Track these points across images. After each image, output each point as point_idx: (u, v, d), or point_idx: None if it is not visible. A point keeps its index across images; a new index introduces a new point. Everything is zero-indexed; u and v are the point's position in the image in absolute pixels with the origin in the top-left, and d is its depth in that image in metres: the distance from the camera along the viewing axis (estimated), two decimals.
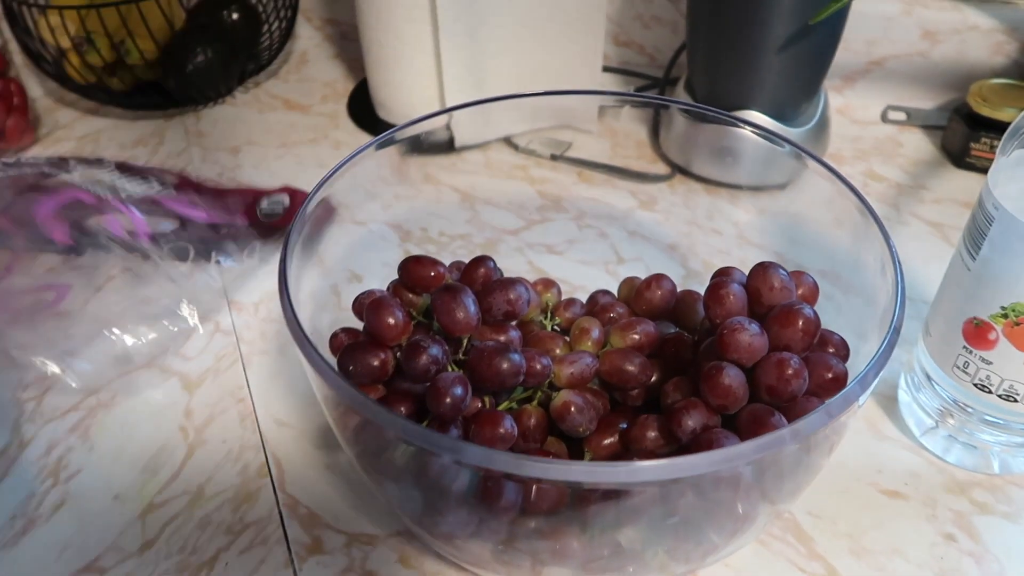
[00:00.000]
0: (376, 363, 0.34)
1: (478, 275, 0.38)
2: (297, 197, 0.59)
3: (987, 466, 0.41)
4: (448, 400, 0.32)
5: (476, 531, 0.34)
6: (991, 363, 0.36)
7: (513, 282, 0.36)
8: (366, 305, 0.35)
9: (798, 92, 0.58)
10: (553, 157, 0.63)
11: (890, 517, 0.39)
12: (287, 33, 0.75)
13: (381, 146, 0.45)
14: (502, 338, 0.36)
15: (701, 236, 0.56)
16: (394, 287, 0.38)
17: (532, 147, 0.64)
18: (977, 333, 0.36)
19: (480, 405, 0.36)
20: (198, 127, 0.70)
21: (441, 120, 0.58)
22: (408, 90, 0.66)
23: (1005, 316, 0.35)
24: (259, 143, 0.68)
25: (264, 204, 0.57)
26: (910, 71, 0.66)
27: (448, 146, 0.62)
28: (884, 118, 0.66)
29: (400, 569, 0.38)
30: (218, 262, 0.54)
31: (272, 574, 0.38)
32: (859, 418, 0.44)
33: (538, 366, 0.35)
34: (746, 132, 0.56)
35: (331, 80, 0.76)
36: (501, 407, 0.36)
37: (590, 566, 0.36)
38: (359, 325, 0.38)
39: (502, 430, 0.34)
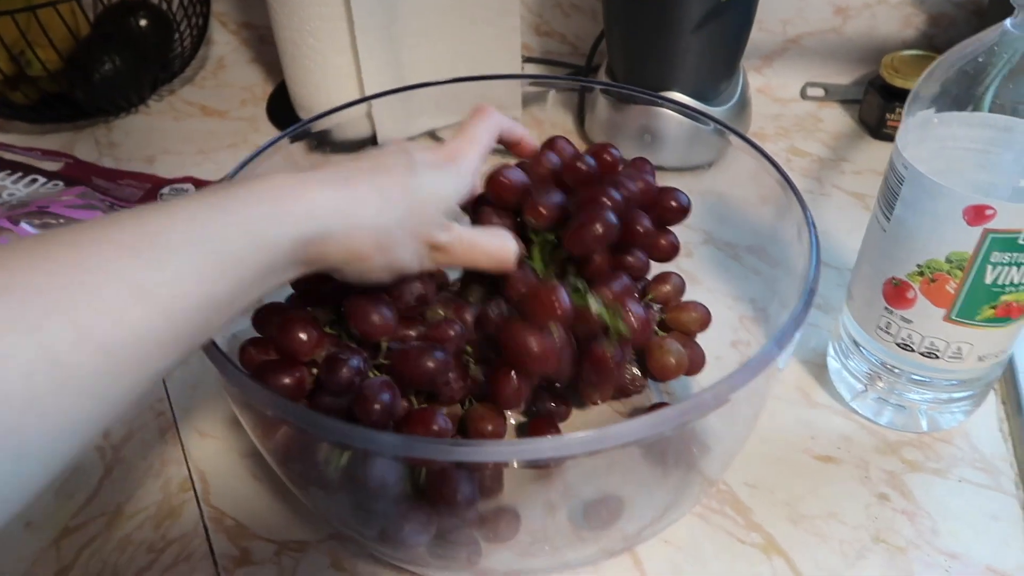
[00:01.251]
0: (291, 381, 0.33)
1: None
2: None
3: (916, 425, 0.41)
4: (377, 407, 0.31)
5: (413, 528, 0.33)
6: (911, 321, 0.37)
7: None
8: (276, 323, 0.34)
9: (716, 72, 0.59)
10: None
11: (825, 482, 0.39)
12: (199, 39, 0.73)
13: (296, 139, 0.43)
14: (413, 332, 0.35)
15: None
16: (293, 298, 0.37)
17: None
18: (896, 293, 0.37)
19: (408, 406, 0.35)
20: (110, 138, 0.68)
21: (361, 114, 0.57)
22: (327, 90, 0.64)
23: (921, 274, 0.35)
24: (176, 151, 0.66)
25: (166, 191, 0.55)
26: (825, 48, 0.67)
27: (371, 142, 0.61)
28: (803, 95, 0.67)
29: (333, 574, 0.36)
30: None
31: None
32: (791, 387, 0.44)
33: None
34: (669, 112, 0.56)
35: (249, 84, 0.74)
36: None
37: (526, 551, 0.35)
38: None
39: (436, 427, 0.33)
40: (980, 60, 0.32)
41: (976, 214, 0.32)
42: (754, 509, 0.38)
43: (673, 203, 0.39)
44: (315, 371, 0.33)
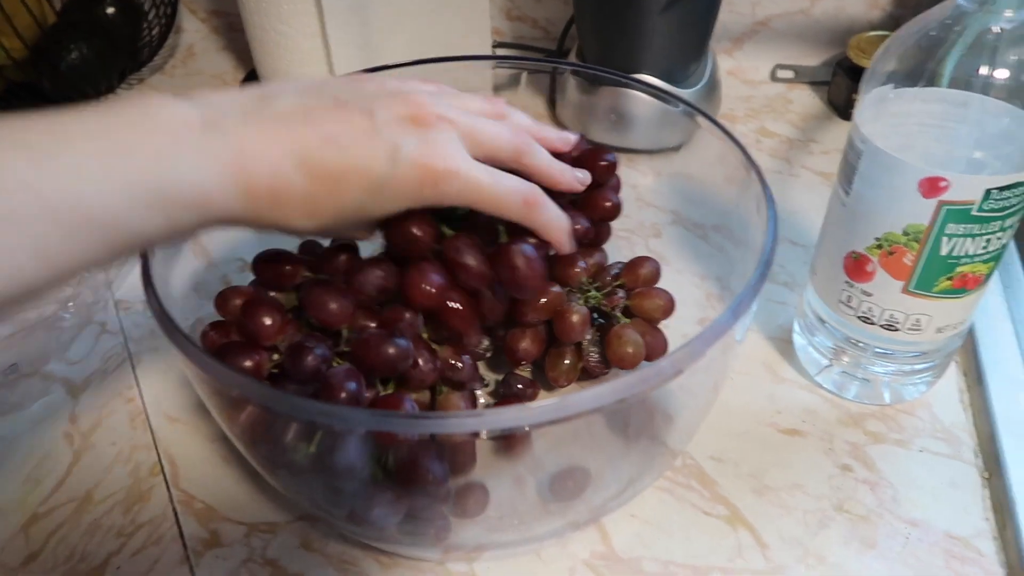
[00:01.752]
0: (251, 364, 0.33)
1: (339, 261, 0.36)
2: None
3: (879, 397, 0.42)
4: (344, 395, 0.31)
5: (383, 509, 0.34)
6: (871, 294, 0.37)
7: (379, 259, 0.35)
8: (241, 305, 0.34)
9: (685, 54, 0.59)
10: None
11: (789, 455, 0.40)
12: (168, 27, 0.72)
13: None
14: (373, 324, 0.35)
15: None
16: (255, 283, 0.37)
17: None
18: (856, 266, 0.37)
19: (376, 394, 0.35)
20: None
21: None
22: (297, 76, 0.64)
23: (879, 247, 0.36)
24: None
25: None
26: (794, 29, 0.68)
27: None
28: (773, 77, 0.68)
29: (303, 554, 0.37)
30: None
31: (167, 573, 0.36)
32: (758, 363, 0.45)
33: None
34: (639, 94, 0.57)
35: (220, 72, 0.74)
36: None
37: (494, 526, 0.35)
38: None
39: (404, 410, 0.33)
40: (933, 35, 0.33)
41: (931, 186, 0.33)
42: (719, 482, 0.39)
43: (602, 162, 0.39)
44: (275, 356, 0.33)
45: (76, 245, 0.23)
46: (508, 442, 0.33)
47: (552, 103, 0.64)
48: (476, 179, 0.30)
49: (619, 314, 0.41)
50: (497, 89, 0.63)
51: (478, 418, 0.30)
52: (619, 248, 0.52)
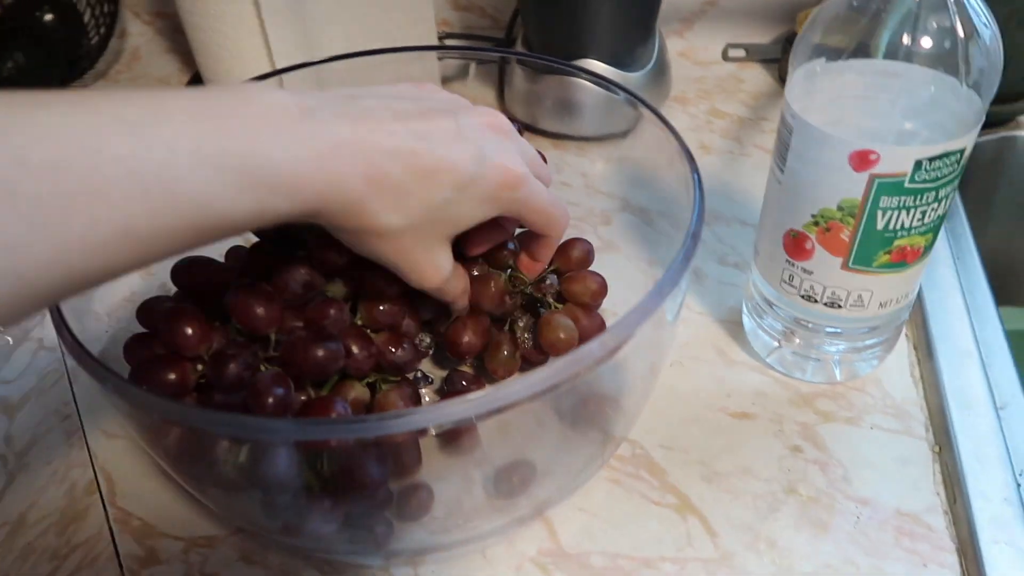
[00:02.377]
0: (175, 378, 0.31)
1: (262, 263, 0.35)
2: None
3: (830, 376, 0.41)
4: (271, 400, 0.30)
5: (319, 519, 0.33)
6: (812, 272, 0.37)
7: (300, 257, 0.34)
8: (160, 316, 0.32)
9: (631, 36, 0.58)
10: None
11: (739, 439, 0.39)
12: (109, 31, 0.71)
13: None
14: (301, 325, 0.34)
15: (551, 190, 0.55)
16: (179, 293, 0.36)
17: None
18: (795, 244, 0.37)
19: (305, 399, 0.34)
20: None
21: None
22: (240, 76, 0.63)
23: (816, 223, 0.35)
24: None
25: None
26: (744, 7, 0.67)
27: None
28: (725, 56, 0.67)
29: (243, 567, 0.36)
30: None
31: None
32: (708, 347, 0.44)
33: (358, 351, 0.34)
34: (584, 82, 0.56)
35: (165, 75, 0.72)
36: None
37: (438, 527, 0.34)
38: None
39: (335, 415, 0.33)
40: (856, 5, 0.32)
41: (861, 160, 0.32)
42: (668, 470, 0.38)
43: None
44: (199, 367, 0.32)
45: (163, 224, 0.23)
46: (448, 439, 0.32)
47: (502, 94, 0.63)
48: (540, 192, 0.32)
49: (551, 300, 0.40)
50: (446, 81, 0.62)
51: (403, 418, 0.29)
52: (568, 237, 0.52)
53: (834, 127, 0.33)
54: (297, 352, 0.31)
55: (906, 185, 0.32)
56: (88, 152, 0.21)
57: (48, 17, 0.68)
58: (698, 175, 0.33)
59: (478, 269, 0.39)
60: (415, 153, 0.28)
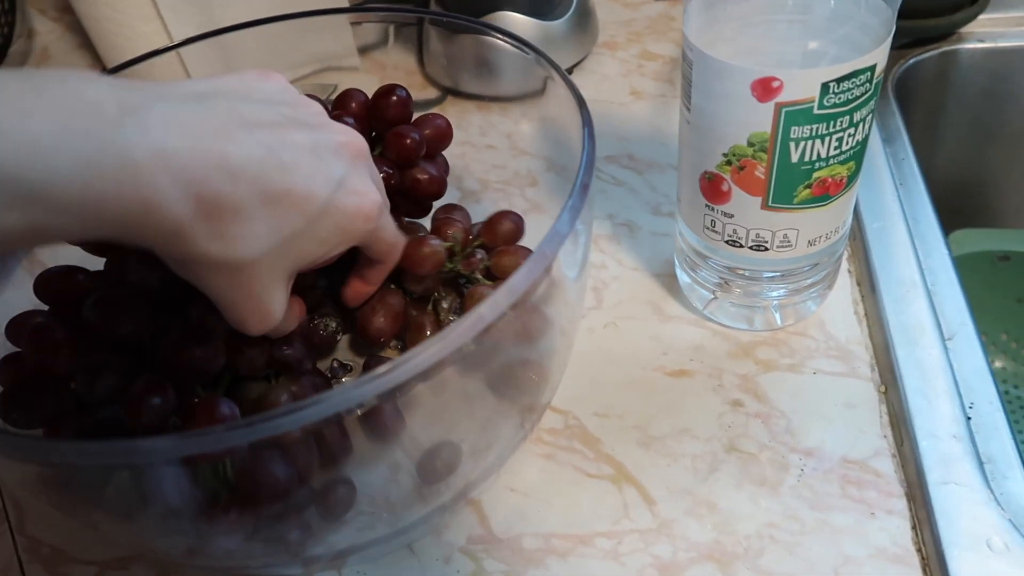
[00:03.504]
0: (48, 400, 0.29)
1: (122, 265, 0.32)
2: None
3: (770, 322, 0.39)
4: (147, 412, 0.28)
5: (224, 535, 0.31)
6: (732, 216, 0.34)
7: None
8: (24, 337, 0.30)
9: None
10: (319, 103, 0.59)
11: (677, 398, 0.37)
12: (10, 32, 0.67)
13: None
14: (174, 324, 0.31)
15: (476, 154, 0.52)
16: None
17: None
18: (711, 187, 0.34)
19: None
20: None
21: (175, 69, 0.52)
22: (141, 56, 0.59)
23: (729, 163, 0.33)
24: None
25: None
26: None
27: None
28: None
29: None
30: None
31: None
32: (642, 303, 0.42)
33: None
34: (496, 41, 0.53)
35: None
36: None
37: (362, 525, 0.32)
38: None
39: (219, 415, 0.30)
40: None
41: (764, 89, 0.30)
42: (603, 439, 0.36)
43: (393, 98, 0.38)
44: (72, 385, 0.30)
45: None
46: (368, 425, 0.30)
47: (422, 60, 0.60)
48: (389, 222, 0.31)
49: (480, 277, 0.38)
50: (365, 50, 0.59)
51: (292, 415, 0.26)
52: (496, 202, 0.49)
53: (737, 57, 0.30)
54: (170, 355, 0.29)
55: (815, 112, 0.30)
56: None
57: None
58: (589, 125, 0.30)
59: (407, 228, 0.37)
60: (262, 172, 0.24)
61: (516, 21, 0.55)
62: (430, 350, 0.24)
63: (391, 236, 0.32)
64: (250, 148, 0.24)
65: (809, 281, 0.37)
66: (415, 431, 0.31)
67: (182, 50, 0.57)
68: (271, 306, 0.27)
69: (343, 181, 0.26)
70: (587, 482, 0.35)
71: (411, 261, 0.35)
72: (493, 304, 0.25)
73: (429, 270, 0.36)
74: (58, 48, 0.72)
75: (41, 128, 0.20)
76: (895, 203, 0.43)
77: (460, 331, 0.24)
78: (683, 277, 0.41)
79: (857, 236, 0.42)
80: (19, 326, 0.32)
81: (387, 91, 0.38)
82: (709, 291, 0.39)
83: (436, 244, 0.35)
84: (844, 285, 0.41)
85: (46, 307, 0.34)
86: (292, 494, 0.30)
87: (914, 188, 0.44)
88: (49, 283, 0.31)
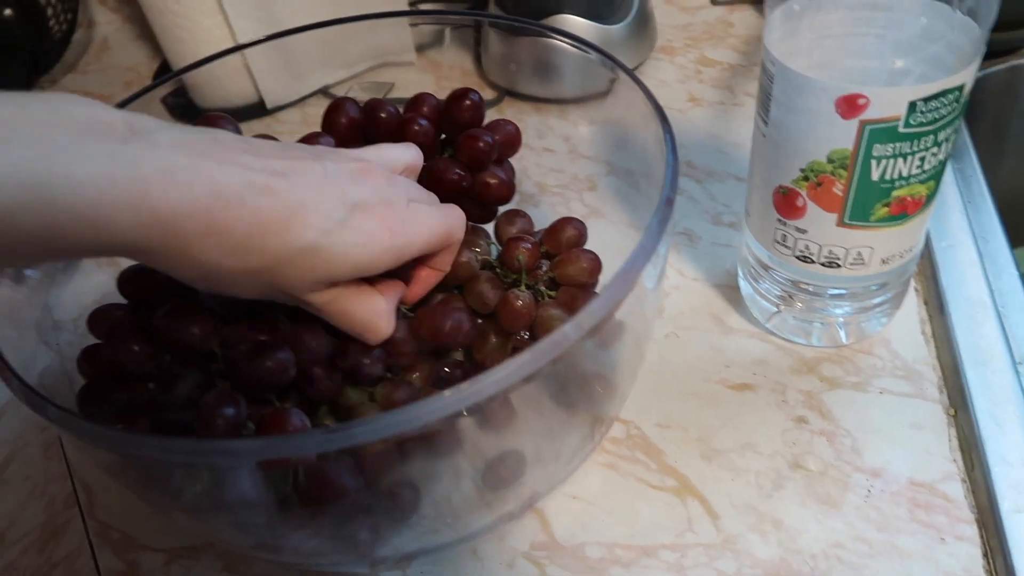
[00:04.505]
0: (125, 398, 0.29)
1: None
2: None
3: (835, 339, 0.39)
4: (220, 422, 0.28)
5: (297, 534, 0.31)
6: (805, 231, 0.34)
7: None
8: (104, 332, 0.31)
9: None
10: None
11: (740, 412, 0.37)
12: (73, 23, 0.68)
13: (185, 116, 0.40)
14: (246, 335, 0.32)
15: (534, 157, 0.52)
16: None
17: (352, 94, 0.59)
18: (786, 202, 0.34)
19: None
20: None
21: (240, 71, 0.53)
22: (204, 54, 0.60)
23: (806, 179, 0.32)
24: None
25: None
26: None
27: (260, 108, 0.57)
28: (713, 0, 0.63)
29: None
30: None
31: None
32: (704, 314, 0.42)
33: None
34: (557, 43, 0.52)
35: (134, 64, 0.70)
36: None
37: (426, 528, 0.33)
38: None
39: (291, 427, 0.30)
40: None
41: (849, 105, 0.29)
42: (666, 451, 0.36)
43: (467, 102, 0.37)
44: (150, 386, 0.30)
45: None
46: (427, 436, 0.30)
47: (479, 60, 0.60)
48: (424, 216, 0.30)
49: (543, 288, 0.38)
50: (421, 50, 0.59)
51: (375, 425, 0.27)
52: (553, 206, 0.49)
53: (818, 71, 0.30)
54: (241, 367, 0.29)
55: (901, 130, 0.29)
56: None
57: (7, 12, 0.65)
58: (671, 134, 0.30)
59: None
60: (271, 190, 0.24)
61: (575, 24, 0.54)
62: (511, 368, 0.24)
63: (434, 230, 0.30)
64: (258, 170, 0.24)
65: (877, 300, 0.37)
66: (483, 441, 0.31)
67: (239, 36, 0.58)
68: (313, 303, 0.28)
69: (356, 200, 0.26)
70: (650, 493, 0.35)
71: (506, 322, 0.35)
72: (577, 325, 0.25)
73: (524, 325, 0.36)
74: (117, 39, 0.74)
75: (60, 138, 0.21)
76: (963, 221, 0.43)
77: (541, 350, 0.24)
78: (746, 288, 0.41)
79: (924, 254, 0.42)
80: (101, 319, 0.32)
81: (460, 95, 0.38)
82: (772, 304, 0.39)
83: (526, 297, 0.35)
84: (911, 304, 0.40)
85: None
86: (360, 498, 0.30)
87: (982, 206, 0.44)
88: (131, 280, 0.32)
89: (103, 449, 0.26)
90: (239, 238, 0.24)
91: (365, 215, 0.27)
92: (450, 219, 0.31)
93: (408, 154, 0.33)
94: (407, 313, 0.35)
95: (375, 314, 0.29)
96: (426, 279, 0.35)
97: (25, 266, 0.22)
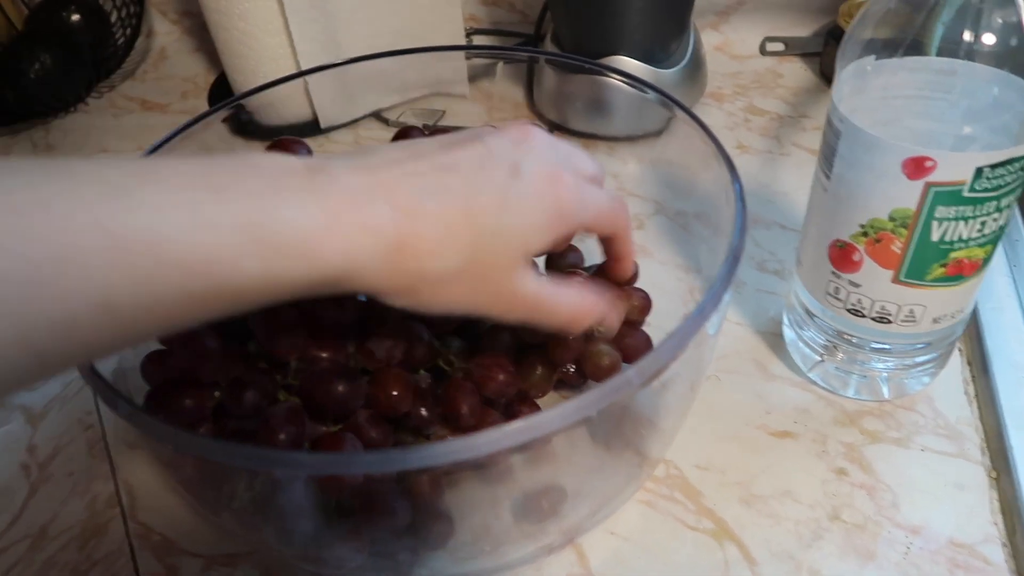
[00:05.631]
0: (191, 403, 0.30)
1: None
2: None
3: (877, 393, 0.39)
4: (283, 437, 0.29)
5: (342, 548, 0.31)
6: (859, 285, 0.35)
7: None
8: (176, 336, 0.31)
9: (664, 31, 0.56)
10: (426, 127, 0.60)
11: (780, 459, 0.37)
12: (136, 31, 0.70)
13: (232, 123, 0.41)
14: (325, 355, 0.32)
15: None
16: None
17: (404, 119, 0.60)
18: (842, 256, 0.34)
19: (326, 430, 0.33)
20: (47, 140, 0.65)
21: (299, 93, 0.54)
22: (264, 74, 0.62)
23: (865, 234, 0.33)
24: (113, 149, 0.63)
25: None
26: None
27: (313, 125, 0.58)
28: (763, 50, 0.64)
29: None
30: None
31: None
32: (746, 360, 0.42)
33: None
34: (614, 81, 0.54)
35: (191, 75, 0.72)
36: None
37: (465, 554, 0.33)
38: None
39: (346, 448, 0.31)
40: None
41: (916, 167, 0.30)
42: (705, 492, 0.36)
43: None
44: (216, 393, 0.31)
45: (150, 295, 0.20)
46: (474, 467, 0.30)
47: (531, 92, 0.62)
48: (591, 190, 0.29)
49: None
50: (473, 80, 0.61)
51: (424, 451, 0.27)
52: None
53: (886, 130, 0.31)
54: (316, 385, 0.30)
55: (965, 194, 0.30)
56: (58, 216, 0.18)
57: (75, 17, 0.67)
58: (739, 184, 0.31)
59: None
60: (446, 186, 0.25)
61: (630, 65, 0.56)
62: (576, 405, 0.24)
63: (604, 206, 0.29)
64: (429, 170, 0.25)
65: (921, 359, 0.37)
66: (525, 475, 0.31)
67: (301, 56, 0.59)
68: (525, 294, 0.27)
69: (522, 169, 0.26)
70: (687, 534, 0.35)
71: (555, 354, 0.35)
72: (640, 371, 0.26)
73: (571, 359, 0.36)
74: (175, 49, 0.75)
75: (261, 185, 0.22)
76: (1009, 285, 0.43)
77: (605, 392, 0.25)
78: (790, 335, 0.41)
79: (970, 315, 0.42)
80: None
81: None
82: (816, 353, 0.39)
83: (613, 354, 0.36)
84: (954, 363, 0.40)
85: None
86: (400, 521, 0.31)
87: None
88: None
89: (170, 449, 0.27)
90: (433, 243, 0.24)
91: (532, 180, 0.27)
92: (615, 200, 0.31)
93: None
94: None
95: (577, 304, 0.29)
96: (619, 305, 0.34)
97: (244, 311, 0.24)
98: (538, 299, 0.28)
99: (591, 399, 0.25)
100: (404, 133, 0.40)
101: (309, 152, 0.37)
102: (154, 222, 0.20)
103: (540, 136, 0.28)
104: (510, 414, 0.36)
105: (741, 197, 0.30)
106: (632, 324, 0.39)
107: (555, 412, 0.24)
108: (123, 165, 0.21)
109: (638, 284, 0.40)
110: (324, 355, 0.32)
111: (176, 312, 0.21)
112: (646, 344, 0.38)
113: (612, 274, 0.35)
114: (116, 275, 0.19)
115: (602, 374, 0.36)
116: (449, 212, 0.25)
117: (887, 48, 0.31)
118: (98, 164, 0.20)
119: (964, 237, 0.31)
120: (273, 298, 0.22)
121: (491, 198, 0.25)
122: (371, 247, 0.23)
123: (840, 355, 0.38)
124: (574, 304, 0.29)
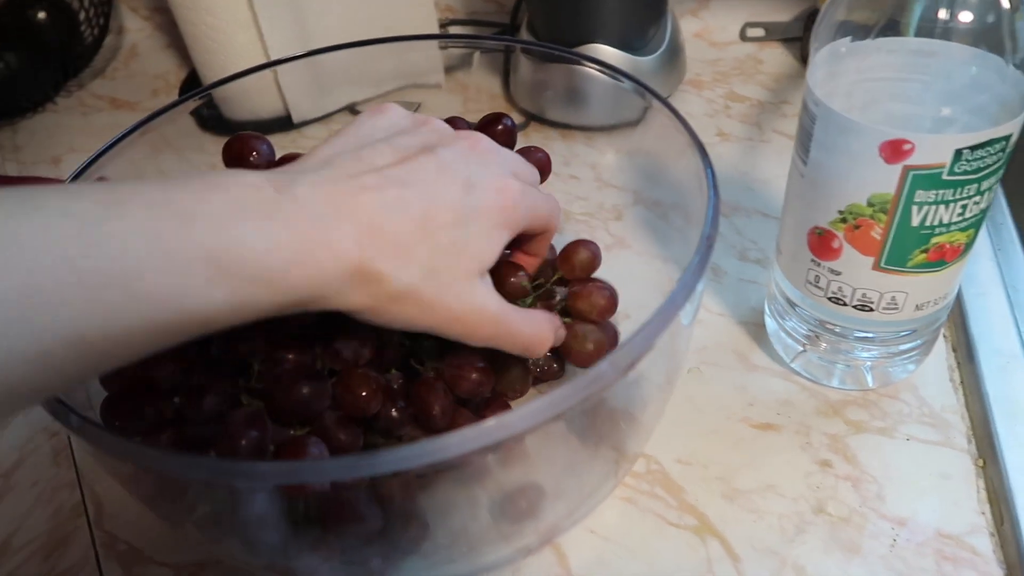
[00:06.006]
0: (150, 412, 0.29)
1: None
2: None
3: (861, 382, 0.38)
4: (244, 443, 0.28)
5: (310, 558, 0.30)
6: (840, 273, 0.34)
7: None
8: None
9: (641, 18, 0.55)
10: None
11: (763, 452, 0.36)
12: (104, 29, 0.69)
13: (211, 128, 0.40)
14: (290, 355, 0.31)
15: (559, 184, 0.52)
16: None
17: None
18: (821, 243, 0.34)
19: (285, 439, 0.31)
20: (14, 141, 0.64)
21: (270, 86, 0.53)
22: (235, 70, 0.60)
23: (844, 220, 0.32)
24: (83, 149, 0.62)
25: None
26: None
27: (286, 122, 0.57)
28: (743, 36, 0.63)
29: None
30: None
31: None
32: (727, 351, 0.41)
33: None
34: (589, 70, 0.52)
35: (162, 72, 0.70)
36: None
37: (441, 557, 0.32)
38: None
39: (310, 454, 0.30)
40: None
41: (893, 150, 0.29)
42: (686, 488, 0.35)
43: (500, 127, 0.37)
44: (176, 399, 0.30)
45: (120, 327, 0.20)
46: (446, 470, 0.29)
47: (507, 83, 0.60)
48: (536, 197, 0.30)
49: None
50: (450, 71, 0.59)
51: (391, 455, 0.26)
52: (578, 234, 0.49)
53: (862, 114, 0.30)
54: (280, 387, 0.29)
55: (944, 177, 0.29)
56: (26, 252, 0.19)
57: (41, 16, 0.66)
58: (712, 172, 0.30)
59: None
60: (404, 201, 0.25)
61: (607, 53, 0.55)
62: (546, 402, 0.23)
63: (542, 210, 0.31)
64: (386, 187, 0.25)
65: (905, 347, 0.37)
66: (502, 474, 0.31)
67: (271, 51, 0.58)
68: (486, 308, 0.27)
69: (475, 184, 0.27)
70: (669, 531, 0.34)
71: (575, 360, 0.35)
72: (613, 363, 0.25)
73: (591, 362, 0.35)
74: (146, 47, 0.74)
75: (228, 212, 0.22)
76: (994, 270, 0.42)
77: (575, 387, 0.24)
78: (771, 325, 0.40)
79: (955, 301, 0.41)
80: None
81: (494, 119, 0.38)
82: (798, 343, 0.38)
83: (597, 336, 0.35)
84: (939, 350, 0.40)
85: None
86: (375, 525, 0.30)
87: (1013, 255, 0.43)
88: None
89: (124, 462, 0.26)
90: (391, 260, 0.25)
91: (484, 193, 0.27)
92: (551, 201, 0.32)
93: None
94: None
95: (539, 324, 0.30)
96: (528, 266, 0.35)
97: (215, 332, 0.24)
98: (500, 318, 0.28)
99: (564, 394, 0.24)
100: None
101: (269, 147, 0.36)
102: (120, 256, 0.20)
103: (487, 144, 0.29)
104: (483, 414, 0.35)
105: (713, 184, 0.29)
106: (594, 323, 0.37)
107: (528, 409, 0.24)
108: (90, 194, 0.21)
109: (613, 276, 0.39)
110: (289, 356, 0.31)
111: (148, 341, 0.21)
112: (613, 337, 0.37)
113: (521, 258, 0.36)
114: (86, 310, 0.20)
115: (589, 359, 0.34)
116: (407, 228, 0.25)
117: (861, 29, 0.30)
118: (65, 196, 0.20)
119: (945, 221, 0.31)
120: (242, 321, 0.23)
121: (447, 214, 0.26)
122: (337, 271, 0.24)
123: (823, 345, 0.37)
124: (535, 327, 0.30)
